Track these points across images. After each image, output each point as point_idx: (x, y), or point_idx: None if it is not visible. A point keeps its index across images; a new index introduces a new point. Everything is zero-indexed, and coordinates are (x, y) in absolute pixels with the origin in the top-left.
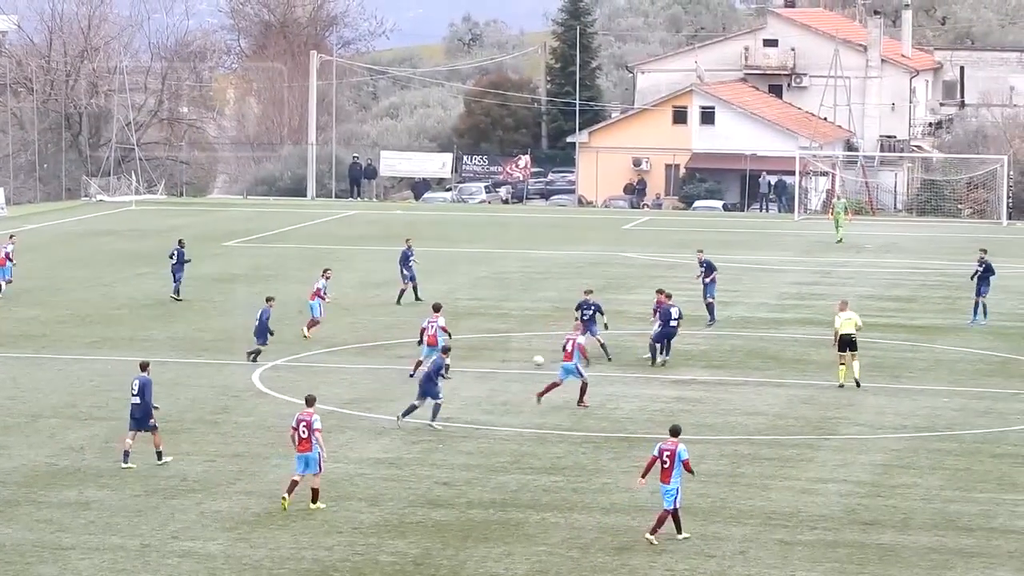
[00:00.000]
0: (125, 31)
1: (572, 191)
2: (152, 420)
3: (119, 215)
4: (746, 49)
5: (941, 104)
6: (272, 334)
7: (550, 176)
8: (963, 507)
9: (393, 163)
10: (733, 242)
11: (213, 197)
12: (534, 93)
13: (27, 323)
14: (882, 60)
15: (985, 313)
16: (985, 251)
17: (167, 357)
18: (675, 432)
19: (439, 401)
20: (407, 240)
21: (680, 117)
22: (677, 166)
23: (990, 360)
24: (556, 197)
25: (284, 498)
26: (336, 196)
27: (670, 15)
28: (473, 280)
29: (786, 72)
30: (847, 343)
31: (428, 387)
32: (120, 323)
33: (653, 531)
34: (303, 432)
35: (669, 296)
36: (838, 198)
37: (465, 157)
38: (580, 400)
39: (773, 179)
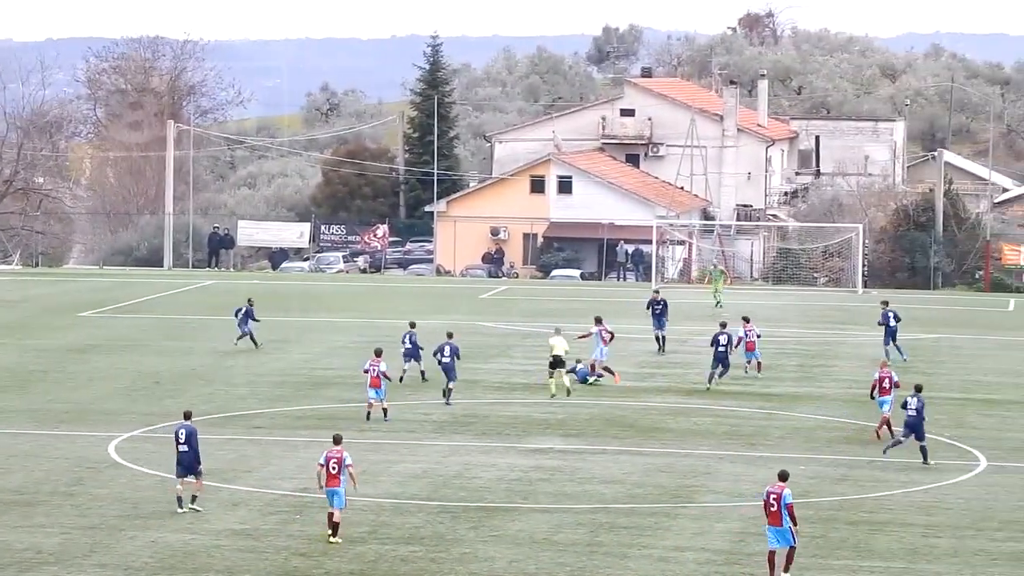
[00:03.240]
0: None
1: (430, 260)
2: (200, 467)
3: None
4: (603, 118)
5: (797, 173)
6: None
7: (408, 245)
8: (820, 575)
9: (251, 232)
10: (590, 311)
11: (69, 267)
12: (392, 162)
13: None
14: (738, 129)
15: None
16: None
17: (22, 428)
18: (783, 477)
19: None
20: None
21: (538, 186)
22: (535, 235)
23: (846, 427)
24: (414, 266)
25: (331, 536)
26: (193, 266)
27: (528, 84)
28: (330, 349)
29: (643, 141)
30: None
31: (919, 426)
32: None
33: (786, 568)
34: (333, 468)
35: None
36: (715, 267)
37: (323, 226)
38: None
39: (630, 248)
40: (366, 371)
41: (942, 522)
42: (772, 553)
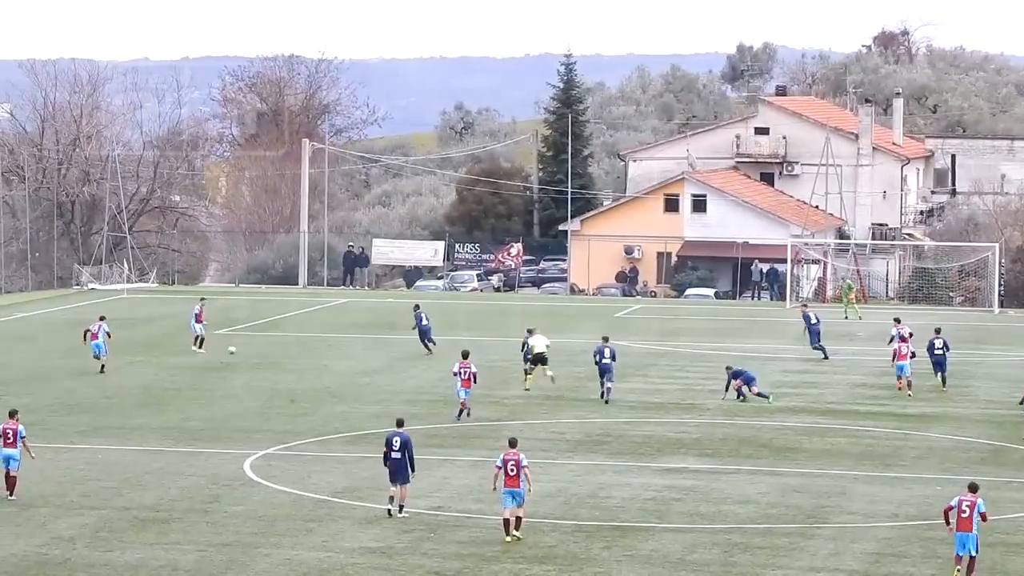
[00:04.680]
0: (117, 119)
1: (564, 279)
2: (410, 475)
3: (110, 303)
4: (737, 137)
5: (932, 192)
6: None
7: (542, 264)
8: None
9: (385, 251)
10: (725, 330)
11: (205, 285)
12: (526, 181)
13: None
14: (873, 148)
15: None
16: None
17: (157, 446)
18: (974, 488)
19: None
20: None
21: (672, 205)
22: (669, 254)
23: (982, 448)
24: (548, 285)
25: (512, 536)
26: (328, 284)
27: (662, 103)
28: None
29: (777, 160)
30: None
31: None
32: (110, 412)
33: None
34: (511, 470)
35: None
36: (843, 280)
37: (457, 245)
38: None
39: (765, 267)
40: (456, 373)
41: None
42: (959, 559)
